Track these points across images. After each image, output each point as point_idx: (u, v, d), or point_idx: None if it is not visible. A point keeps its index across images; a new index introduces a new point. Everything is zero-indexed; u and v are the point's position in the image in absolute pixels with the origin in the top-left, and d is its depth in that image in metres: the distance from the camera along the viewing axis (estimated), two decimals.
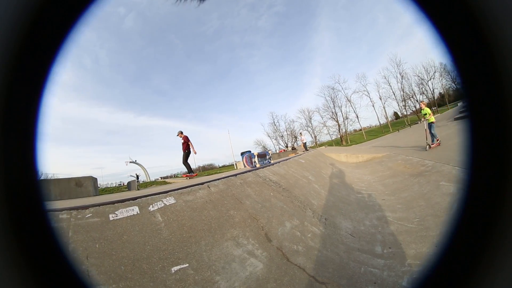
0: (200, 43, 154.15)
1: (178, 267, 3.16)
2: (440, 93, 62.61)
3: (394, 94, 65.27)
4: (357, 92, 68.06)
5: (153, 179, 51.67)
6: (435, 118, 14.58)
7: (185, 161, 14.22)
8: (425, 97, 61.19)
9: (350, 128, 74.09)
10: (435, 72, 57.82)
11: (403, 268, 4.05)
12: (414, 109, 65.11)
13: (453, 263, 0.75)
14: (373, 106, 68.38)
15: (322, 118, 73.44)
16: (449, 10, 0.74)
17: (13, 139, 0.74)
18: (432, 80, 58.98)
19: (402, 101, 64.98)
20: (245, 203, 5.23)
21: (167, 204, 4.18)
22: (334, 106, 70.39)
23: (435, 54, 0.81)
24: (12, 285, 0.71)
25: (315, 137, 74.60)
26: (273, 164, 10.83)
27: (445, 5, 0.75)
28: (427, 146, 13.84)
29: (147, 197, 4.18)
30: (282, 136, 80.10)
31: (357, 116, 68.68)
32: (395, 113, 79.50)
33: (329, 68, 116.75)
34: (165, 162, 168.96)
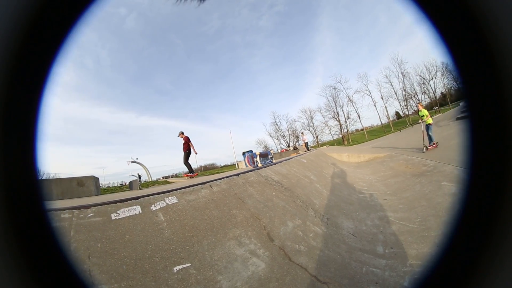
0: (201, 43, 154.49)
1: (180, 266, 3.16)
2: (442, 93, 62.33)
3: (395, 94, 65.07)
4: (359, 91, 67.84)
5: (155, 179, 51.80)
6: (433, 119, 14.59)
7: (186, 161, 14.60)
8: (427, 96, 61.15)
9: (352, 128, 73.94)
10: (436, 71, 57.69)
11: (404, 268, 4.05)
12: (415, 108, 64.92)
13: (453, 263, 0.75)
14: (374, 105, 68.16)
15: (323, 117, 73.32)
16: (449, 10, 0.74)
17: (13, 139, 0.74)
18: (434, 79, 58.85)
19: (403, 100, 64.79)
20: (247, 203, 5.23)
21: (169, 203, 4.18)
22: (335, 105, 70.28)
23: (436, 54, 0.82)
24: (12, 285, 0.71)
25: (317, 136, 74.51)
26: (275, 164, 10.82)
27: (445, 5, 0.75)
28: (424, 148, 13.88)
29: (149, 197, 4.18)
30: (283, 136, 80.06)
31: (359, 116, 68.51)
32: (397, 113, 79.22)
33: (330, 68, 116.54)
34: (167, 161, 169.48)
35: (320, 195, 8.13)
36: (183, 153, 14.60)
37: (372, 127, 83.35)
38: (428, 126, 14.07)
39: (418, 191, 7.74)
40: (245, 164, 16.82)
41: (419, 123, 15.45)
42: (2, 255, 0.70)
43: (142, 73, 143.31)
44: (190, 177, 14.50)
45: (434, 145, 13.52)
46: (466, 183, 0.73)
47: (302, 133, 47.02)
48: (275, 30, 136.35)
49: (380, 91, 66.87)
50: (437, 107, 60.14)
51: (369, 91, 67.50)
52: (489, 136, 0.70)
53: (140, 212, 3.74)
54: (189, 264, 3.23)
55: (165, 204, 4.11)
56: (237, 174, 7.03)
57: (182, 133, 14.78)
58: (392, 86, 64.89)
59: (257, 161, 13.55)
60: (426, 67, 58.71)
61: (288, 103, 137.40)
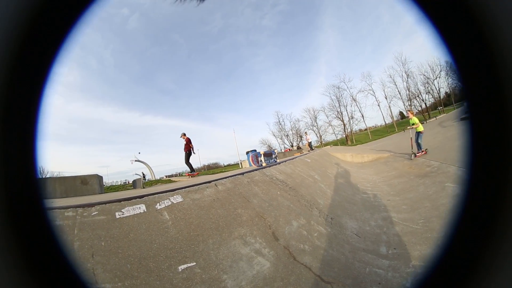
0: (204, 42, 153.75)
1: (185, 265, 3.16)
2: (446, 93, 61.84)
3: (399, 93, 64.48)
4: (363, 91, 67.30)
5: (158, 178, 51.83)
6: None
7: (187, 161, 15.27)
8: (431, 96, 60.72)
9: (356, 128, 73.62)
10: (441, 70, 57.06)
11: (407, 269, 4.05)
12: (420, 108, 64.59)
13: (454, 263, 0.75)
14: (378, 105, 67.72)
15: (327, 117, 72.83)
16: (450, 11, 0.75)
17: (13, 138, 0.74)
18: (438, 79, 58.31)
19: (407, 100, 64.25)
20: (253, 202, 5.24)
21: (174, 202, 4.18)
22: (339, 105, 69.84)
23: (438, 54, 0.84)
24: (12, 285, 0.71)
25: (320, 136, 74.19)
26: (279, 163, 10.84)
27: (446, 5, 0.75)
28: (412, 155, 13.87)
29: (154, 195, 4.19)
30: (287, 136, 79.71)
31: (363, 116, 68.18)
32: (401, 113, 78.73)
33: (334, 67, 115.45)
34: (170, 161, 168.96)
35: (324, 195, 8.13)
36: (184, 153, 15.20)
37: (375, 127, 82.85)
38: (418, 134, 14.05)
39: (421, 192, 7.76)
40: (249, 163, 16.89)
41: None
42: (2, 255, 0.71)
43: (145, 73, 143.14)
44: (192, 176, 15.19)
45: (423, 152, 13.47)
46: (467, 184, 0.74)
47: (305, 132, 46.99)
48: (278, 29, 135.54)
49: (384, 90, 66.38)
50: (441, 107, 59.78)
51: (373, 91, 67.10)
52: (489, 137, 0.70)
53: (145, 210, 3.75)
54: (194, 263, 3.22)
55: (170, 203, 4.11)
56: (242, 173, 7.05)
57: (184, 134, 15.37)
58: (396, 85, 64.39)
59: (261, 160, 13.59)
60: (430, 66, 58.17)
61: (291, 102, 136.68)
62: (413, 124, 14.47)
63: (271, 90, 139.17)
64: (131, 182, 27.25)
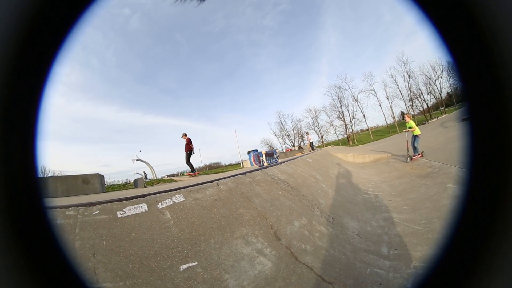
0: (206, 42, 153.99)
1: (187, 265, 3.16)
2: (448, 93, 61.70)
3: (401, 94, 64.44)
4: (364, 91, 67.30)
5: (160, 177, 51.91)
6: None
7: (188, 161, 15.56)
8: (433, 96, 60.57)
9: (357, 128, 73.63)
10: (442, 71, 56.87)
11: (408, 270, 4.05)
12: (421, 109, 64.45)
13: (454, 263, 0.75)
14: (380, 105, 67.70)
15: (329, 117, 72.86)
16: (450, 11, 0.75)
17: (13, 137, 0.74)
18: (439, 79, 58.17)
19: (409, 100, 64.20)
20: (254, 202, 5.25)
21: (176, 201, 4.18)
22: (341, 105, 69.83)
23: (437, 55, 0.84)
24: (12, 285, 0.71)
25: (322, 136, 74.24)
26: (281, 163, 10.85)
27: (446, 5, 0.75)
28: (408, 158, 13.90)
29: (156, 195, 4.19)
30: (288, 135, 79.75)
31: (364, 116, 68.21)
32: (402, 113, 78.79)
33: (335, 67, 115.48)
34: (171, 160, 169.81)
35: (326, 195, 8.13)
36: (185, 153, 15.47)
37: (377, 127, 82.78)
38: (415, 137, 14.09)
39: (423, 192, 7.75)
40: (251, 163, 16.94)
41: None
42: (2, 255, 0.71)
43: (147, 73, 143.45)
44: (192, 176, 15.55)
45: (419, 155, 13.47)
46: (467, 184, 0.74)
47: (307, 132, 47.03)
48: (280, 29, 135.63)
49: (385, 90, 66.34)
50: (443, 108, 59.67)
51: (375, 91, 67.08)
52: (489, 137, 0.70)
53: (147, 210, 3.75)
54: (196, 263, 3.22)
55: (172, 203, 4.11)
56: (244, 173, 7.07)
57: (185, 135, 15.60)
58: (398, 85, 64.31)
59: (263, 160, 13.60)
60: (431, 67, 58.05)
61: (293, 102, 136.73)
62: (410, 127, 14.55)
63: (273, 90, 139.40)
64: (132, 181, 27.28)
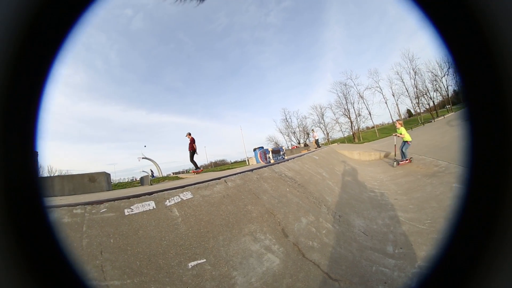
0: (210, 40, 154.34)
1: (195, 262, 3.17)
2: (454, 90, 61.09)
3: (407, 91, 63.79)
4: (370, 88, 66.76)
5: (165, 175, 52.16)
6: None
7: (192, 159, 16.00)
8: (439, 94, 59.91)
9: (363, 126, 73.16)
10: (449, 68, 56.25)
11: (413, 269, 4.04)
12: (428, 106, 63.93)
13: (454, 263, 0.76)
14: (385, 103, 67.13)
15: (334, 114, 72.38)
16: (450, 11, 0.75)
17: (13, 138, 0.74)
18: (446, 76, 57.44)
19: (415, 98, 63.73)
20: (262, 198, 5.25)
21: (184, 199, 4.19)
22: (346, 102, 69.35)
23: (438, 54, 0.86)
24: (12, 285, 0.70)
25: (327, 134, 73.97)
26: (287, 160, 10.86)
27: (446, 5, 0.76)
28: (395, 163, 13.97)
29: (164, 192, 4.20)
30: (294, 133, 79.49)
31: (370, 113, 67.77)
32: (408, 111, 78.26)
33: (340, 64, 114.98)
34: (177, 158, 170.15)
35: (332, 192, 8.13)
36: (188, 151, 16.01)
37: (383, 125, 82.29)
38: (404, 143, 14.14)
39: (429, 192, 7.70)
40: (257, 160, 17.05)
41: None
42: (2, 255, 0.70)
43: (152, 72, 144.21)
44: (196, 173, 16.51)
45: (407, 161, 13.50)
46: (467, 183, 0.74)
47: (312, 130, 46.86)
48: (284, 26, 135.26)
49: (391, 88, 65.78)
50: (449, 106, 59.08)
51: (380, 88, 66.53)
52: (489, 137, 0.71)
53: (154, 207, 3.76)
54: (204, 260, 3.23)
55: (179, 200, 4.12)
56: (251, 170, 7.08)
57: (190, 134, 16.05)
58: (404, 83, 63.70)
59: (269, 157, 13.67)
60: (438, 63, 57.29)
61: (298, 99, 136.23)
62: (400, 133, 14.63)
63: (278, 87, 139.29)
64: (138, 179, 27.46)
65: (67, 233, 3.03)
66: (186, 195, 4.33)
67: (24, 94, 0.76)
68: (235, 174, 6.28)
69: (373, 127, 73.79)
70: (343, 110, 69.84)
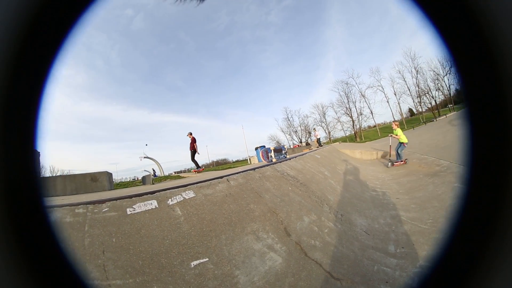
0: (211, 39, 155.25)
1: (198, 261, 3.17)
2: (456, 89, 60.82)
3: (409, 90, 63.84)
4: (371, 87, 67.05)
5: (167, 174, 52.21)
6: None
7: (193, 158, 16.51)
8: (441, 93, 59.63)
9: (364, 124, 73.22)
10: (451, 66, 56.11)
11: (414, 269, 4.04)
12: (430, 106, 63.78)
13: (454, 263, 0.75)
14: (387, 102, 67.29)
15: (336, 113, 72.69)
16: (450, 11, 0.75)
17: (13, 138, 0.73)
18: (448, 75, 57.25)
19: (417, 97, 63.59)
20: (265, 197, 5.25)
21: (187, 198, 4.18)
22: (348, 101, 69.56)
23: (438, 54, 0.86)
24: (12, 285, 0.70)
25: (329, 132, 74.04)
26: (289, 159, 10.87)
27: (446, 5, 0.75)
28: (389, 163, 14.08)
29: (166, 191, 4.20)
30: (296, 132, 79.70)
31: (372, 112, 67.81)
32: (410, 110, 78.21)
33: (342, 62, 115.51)
34: (178, 157, 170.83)
35: (334, 191, 8.13)
36: (190, 151, 16.47)
37: (384, 124, 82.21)
38: (400, 144, 14.17)
39: (431, 191, 7.69)
40: (259, 159, 17.08)
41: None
42: (2, 255, 0.70)
43: (153, 71, 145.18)
44: (198, 172, 16.97)
45: (402, 162, 13.56)
46: (467, 183, 0.74)
47: (314, 129, 46.88)
48: (285, 25, 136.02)
49: (393, 86, 65.76)
50: (451, 105, 58.97)
51: (382, 87, 66.69)
52: (489, 137, 0.71)
53: (157, 206, 3.76)
54: (207, 259, 3.23)
55: (182, 199, 4.11)
56: (254, 169, 7.07)
57: (191, 134, 16.53)
58: (405, 81, 63.68)
59: (271, 156, 13.68)
60: (440, 62, 57.01)
61: (300, 98, 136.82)
62: (396, 134, 14.69)
63: (280, 86, 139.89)
64: (140, 178, 27.49)
65: (69, 232, 3.03)
66: (189, 194, 4.32)
67: (24, 94, 0.76)
68: (237, 173, 6.28)
69: (375, 126, 73.82)
70: (345, 109, 70.21)
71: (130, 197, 3.84)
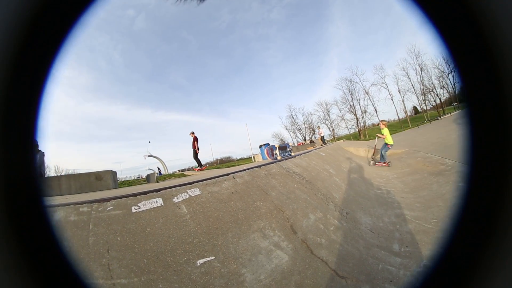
0: (213, 38, 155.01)
1: (204, 259, 3.15)
2: (461, 88, 60.30)
3: (413, 88, 63.43)
4: (375, 84, 66.79)
5: (171, 172, 52.33)
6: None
7: (195, 157, 17.31)
8: (445, 91, 59.22)
9: (369, 122, 73.01)
10: (453, 66, 55.63)
11: (418, 268, 4.02)
12: (434, 103, 63.44)
13: (454, 263, 0.76)
14: (391, 99, 67.04)
15: (340, 111, 72.55)
16: (450, 11, 0.75)
17: (13, 137, 0.74)
18: (453, 73, 56.50)
19: (421, 95, 63.23)
20: (271, 195, 5.24)
21: (192, 195, 4.16)
22: (352, 99, 69.41)
23: (439, 54, 0.88)
24: (12, 285, 0.71)
25: (333, 130, 73.88)
26: (294, 157, 10.84)
27: (446, 5, 0.76)
28: (372, 162, 14.34)
29: (171, 189, 4.18)
30: (300, 129, 79.66)
31: (376, 110, 67.55)
32: (415, 108, 77.88)
33: (346, 60, 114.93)
34: (182, 155, 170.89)
35: (339, 189, 8.11)
36: (192, 150, 17.29)
37: (389, 121, 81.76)
38: (384, 145, 14.28)
39: (435, 190, 7.67)
40: (263, 156, 17.14)
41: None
42: (2, 255, 0.70)
43: (156, 71, 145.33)
44: (200, 170, 17.35)
45: (384, 164, 13.67)
46: (467, 183, 0.75)
47: (318, 126, 46.88)
48: (288, 22, 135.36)
49: (397, 84, 65.41)
50: (456, 103, 58.58)
51: (386, 84, 66.39)
52: (489, 136, 0.71)
53: (162, 204, 3.74)
54: (213, 257, 3.22)
55: (188, 196, 4.10)
56: (259, 166, 7.08)
57: (193, 133, 17.22)
58: (410, 79, 63.27)
59: (276, 154, 13.68)
60: (444, 60, 56.62)
61: (304, 96, 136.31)
62: (382, 134, 14.78)
63: (283, 84, 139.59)
64: (144, 176, 27.64)
65: (74, 231, 3.03)
66: (194, 191, 4.30)
67: (24, 94, 0.76)
68: (243, 170, 6.28)
69: (379, 124, 73.47)
70: (349, 106, 70.09)
71: (135, 195, 3.83)
